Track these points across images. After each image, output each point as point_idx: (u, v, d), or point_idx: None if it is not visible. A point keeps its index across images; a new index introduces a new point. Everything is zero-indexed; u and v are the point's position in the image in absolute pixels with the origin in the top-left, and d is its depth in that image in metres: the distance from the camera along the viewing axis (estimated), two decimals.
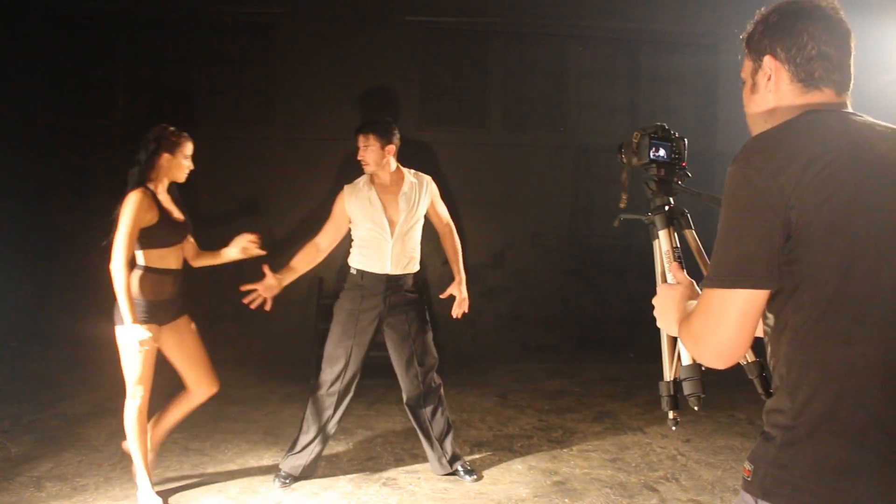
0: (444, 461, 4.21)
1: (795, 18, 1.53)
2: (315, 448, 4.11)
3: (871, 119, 1.48)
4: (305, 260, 4.18)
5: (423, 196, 4.25)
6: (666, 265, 1.80)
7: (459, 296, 4.26)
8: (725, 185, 1.41)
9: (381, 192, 4.17)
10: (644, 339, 7.72)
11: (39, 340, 6.98)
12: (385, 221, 4.14)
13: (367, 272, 4.15)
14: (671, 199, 1.87)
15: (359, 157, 4.14)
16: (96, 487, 3.95)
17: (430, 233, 7.78)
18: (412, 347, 4.17)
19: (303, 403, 5.69)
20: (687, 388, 1.69)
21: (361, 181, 4.24)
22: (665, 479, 4.32)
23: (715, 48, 8.00)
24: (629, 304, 7.86)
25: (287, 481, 4.07)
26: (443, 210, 4.44)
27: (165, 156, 3.66)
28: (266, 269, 3.94)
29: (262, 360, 7.00)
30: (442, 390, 4.29)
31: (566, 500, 3.98)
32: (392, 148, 4.14)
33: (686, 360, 1.70)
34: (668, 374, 1.79)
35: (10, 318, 7.01)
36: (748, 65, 1.66)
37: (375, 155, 4.09)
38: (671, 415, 1.80)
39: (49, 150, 7.21)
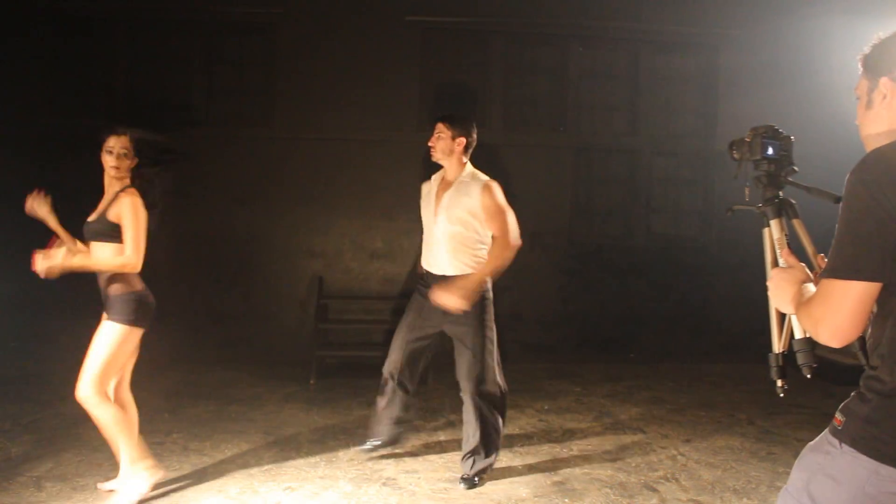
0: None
1: None
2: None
3: None
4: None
5: (467, 197, 4.09)
6: (778, 251, 2.00)
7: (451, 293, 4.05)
8: (845, 190, 1.63)
9: (441, 187, 4.17)
10: (644, 339, 7.81)
11: (39, 340, 6.97)
12: (431, 216, 4.14)
13: (422, 266, 4.27)
14: (780, 192, 2.09)
15: (429, 143, 4.17)
16: (96, 487, 3.95)
17: None
18: (462, 359, 4.13)
19: (303, 404, 5.70)
20: (800, 359, 1.93)
21: (436, 175, 4.27)
22: (665, 479, 4.32)
23: (715, 48, 8.00)
24: (629, 303, 7.87)
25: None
26: (495, 219, 4.08)
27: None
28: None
29: (262, 360, 7.00)
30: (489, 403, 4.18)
31: (566, 500, 3.98)
32: (463, 141, 4.13)
33: (798, 335, 1.92)
34: (777, 347, 2.03)
35: (10, 318, 7.01)
36: (864, 83, 1.80)
37: (444, 144, 4.13)
38: (779, 383, 2.08)
39: (49, 151, 7.20)
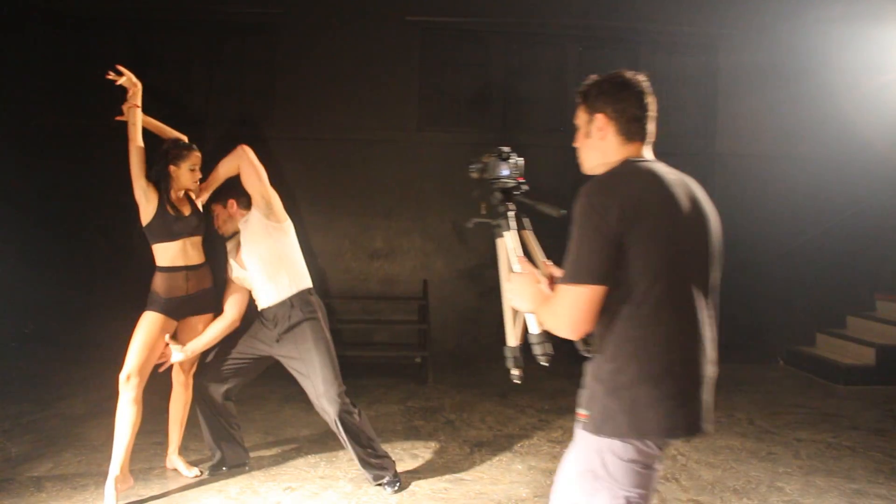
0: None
1: (621, 88, 2.12)
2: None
3: (661, 164, 2.11)
4: None
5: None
6: (513, 259, 2.28)
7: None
8: (576, 210, 1.96)
9: None
10: None
11: (39, 340, 6.98)
12: None
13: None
14: (513, 207, 2.39)
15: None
16: (96, 487, 3.94)
17: (431, 233, 7.79)
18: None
19: (303, 404, 5.70)
20: (538, 350, 2.20)
21: None
22: (665, 478, 4.31)
23: (714, 48, 8.00)
24: None
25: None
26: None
27: (171, 167, 3.90)
28: None
29: None
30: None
31: None
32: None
33: (533, 330, 2.19)
34: (512, 342, 2.31)
35: (9, 318, 7.02)
36: (583, 116, 2.17)
37: None
38: (516, 372, 2.33)
39: (49, 151, 7.21)
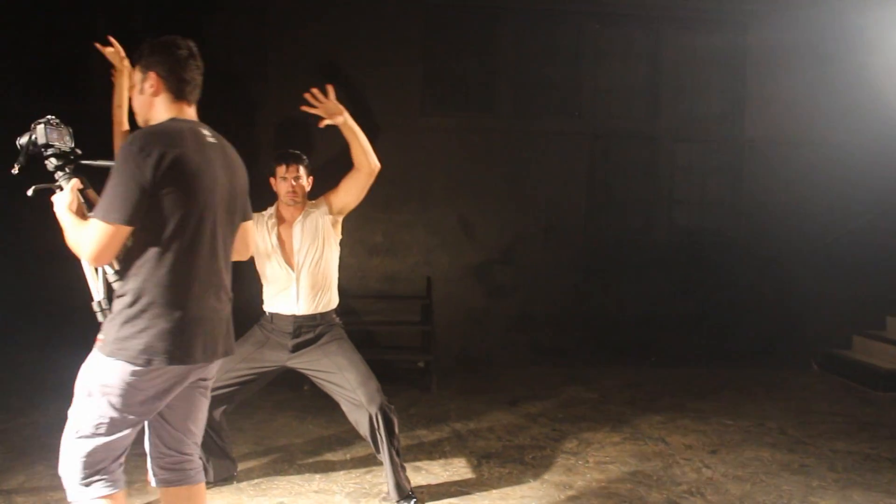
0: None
1: (173, 51, 2.57)
2: None
3: (203, 126, 2.61)
4: None
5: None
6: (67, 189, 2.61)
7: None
8: (118, 157, 2.37)
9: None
10: (666, 341, 7.77)
11: (6, 343, 6.97)
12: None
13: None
14: (67, 167, 2.69)
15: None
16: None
17: (435, 226, 7.77)
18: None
19: (297, 411, 5.69)
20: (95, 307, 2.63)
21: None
22: (689, 493, 4.29)
23: (743, 26, 7.96)
24: (650, 303, 7.84)
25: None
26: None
27: None
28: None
29: None
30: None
31: None
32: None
33: (112, 278, 2.54)
34: (98, 296, 2.63)
35: None
36: (138, 73, 2.61)
37: None
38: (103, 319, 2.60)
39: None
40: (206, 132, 2.60)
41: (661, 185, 7.98)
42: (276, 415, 5.65)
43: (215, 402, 4.02)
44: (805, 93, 7.87)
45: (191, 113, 2.63)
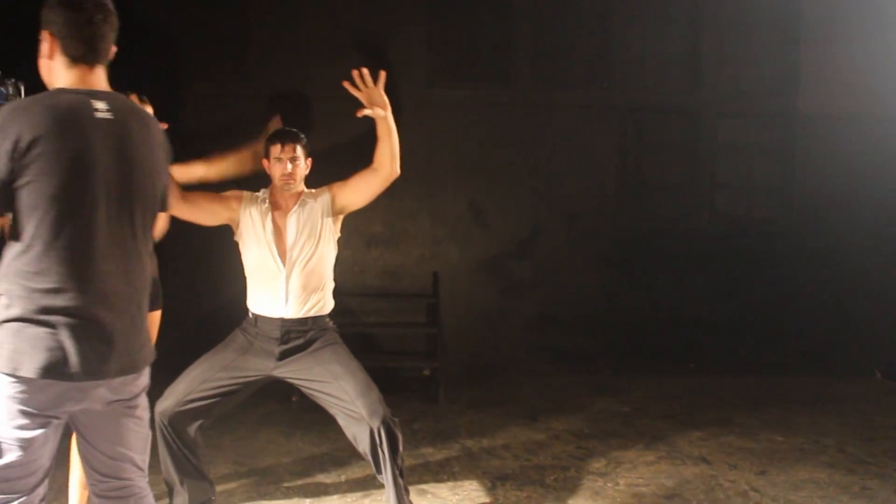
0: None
1: (70, 4, 2.36)
2: None
3: (102, 94, 2.39)
4: None
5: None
6: None
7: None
8: None
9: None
10: (707, 345, 7.72)
11: None
12: None
13: None
14: None
15: None
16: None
17: (442, 214, 7.74)
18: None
19: (283, 426, 5.67)
20: None
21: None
22: None
23: None
24: (688, 302, 7.81)
25: None
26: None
27: None
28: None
29: None
30: None
31: None
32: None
33: None
34: None
35: None
36: (44, 34, 2.39)
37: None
38: None
39: None
40: (100, 105, 2.36)
41: (701, 167, 7.95)
42: (261, 430, 5.63)
43: (190, 417, 3.98)
44: (866, 62, 7.82)
45: (93, 79, 2.42)
